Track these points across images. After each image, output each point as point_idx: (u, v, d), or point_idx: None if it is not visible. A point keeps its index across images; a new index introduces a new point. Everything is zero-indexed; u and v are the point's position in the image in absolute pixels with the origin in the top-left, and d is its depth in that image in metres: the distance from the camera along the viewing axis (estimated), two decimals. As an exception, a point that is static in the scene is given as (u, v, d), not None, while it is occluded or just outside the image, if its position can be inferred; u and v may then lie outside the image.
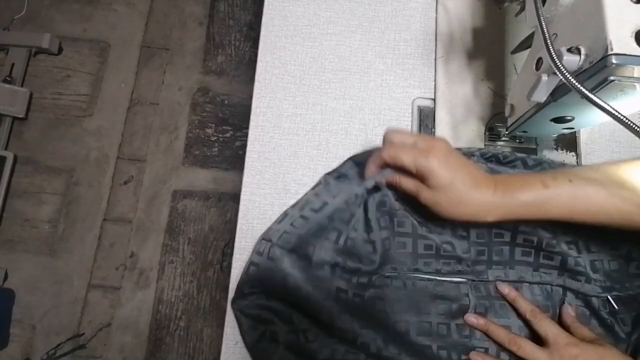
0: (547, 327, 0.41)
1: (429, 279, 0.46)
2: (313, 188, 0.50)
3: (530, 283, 0.46)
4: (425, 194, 0.40)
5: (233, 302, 0.46)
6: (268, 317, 0.44)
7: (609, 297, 0.45)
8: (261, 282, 0.44)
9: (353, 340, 0.42)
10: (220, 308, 1.24)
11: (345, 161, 0.50)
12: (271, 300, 0.44)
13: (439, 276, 0.46)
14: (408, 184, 0.41)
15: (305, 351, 0.42)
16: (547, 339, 0.41)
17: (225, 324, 0.47)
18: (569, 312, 0.44)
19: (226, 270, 1.26)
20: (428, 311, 0.44)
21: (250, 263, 0.45)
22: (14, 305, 1.22)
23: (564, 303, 0.45)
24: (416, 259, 0.46)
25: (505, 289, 0.45)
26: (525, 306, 0.43)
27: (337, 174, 0.49)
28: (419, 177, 0.40)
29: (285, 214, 0.47)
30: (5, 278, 1.23)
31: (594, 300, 0.45)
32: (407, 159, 0.40)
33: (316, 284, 0.43)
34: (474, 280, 0.46)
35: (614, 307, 0.44)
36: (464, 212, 0.39)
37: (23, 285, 1.24)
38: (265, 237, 0.46)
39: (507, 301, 0.45)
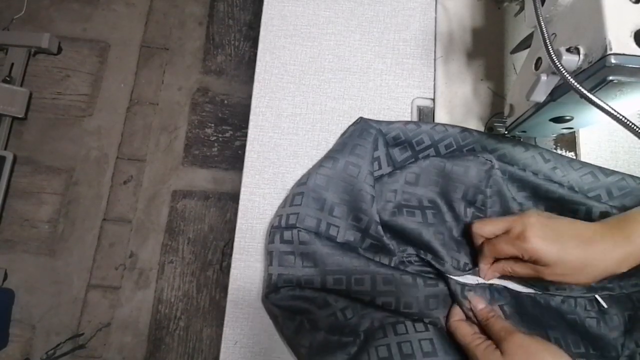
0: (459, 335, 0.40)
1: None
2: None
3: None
4: (546, 273, 0.39)
5: (265, 297, 0.45)
6: (304, 306, 0.43)
7: (596, 296, 0.44)
8: (295, 263, 0.44)
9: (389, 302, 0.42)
10: (219, 308, 1.24)
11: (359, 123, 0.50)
12: (305, 290, 0.44)
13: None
14: (525, 270, 0.41)
15: (346, 328, 0.43)
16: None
17: (225, 323, 0.47)
18: (478, 303, 0.42)
19: (226, 270, 1.26)
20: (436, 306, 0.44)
21: (280, 252, 0.45)
22: (14, 305, 1.22)
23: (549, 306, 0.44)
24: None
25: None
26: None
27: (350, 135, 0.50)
28: (531, 261, 0.39)
29: (293, 195, 0.47)
30: (5, 278, 1.23)
31: (580, 301, 0.44)
32: (510, 250, 0.39)
33: (347, 254, 0.44)
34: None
35: (603, 307, 0.44)
36: (595, 274, 0.38)
37: (22, 285, 1.24)
38: (283, 225, 0.45)
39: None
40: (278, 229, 0.46)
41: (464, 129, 0.49)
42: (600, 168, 0.48)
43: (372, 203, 0.44)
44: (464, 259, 0.45)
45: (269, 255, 0.46)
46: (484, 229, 0.42)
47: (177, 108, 1.38)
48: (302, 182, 0.47)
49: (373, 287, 0.42)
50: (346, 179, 0.45)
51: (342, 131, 0.53)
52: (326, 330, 0.43)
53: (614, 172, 0.47)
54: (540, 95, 0.36)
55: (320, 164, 0.47)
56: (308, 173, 0.48)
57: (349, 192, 0.45)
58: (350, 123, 0.53)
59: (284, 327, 0.44)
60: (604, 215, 0.44)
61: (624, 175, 0.47)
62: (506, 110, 0.47)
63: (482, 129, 0.52)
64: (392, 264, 0.45)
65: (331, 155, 0.47)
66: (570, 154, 0.52)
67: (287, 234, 0.45)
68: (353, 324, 0.43)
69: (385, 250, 0.45)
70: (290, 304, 0.44)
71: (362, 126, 0.49)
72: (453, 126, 0.49)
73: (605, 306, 0.44)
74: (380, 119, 0.53)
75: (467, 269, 0.45)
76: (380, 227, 0.45)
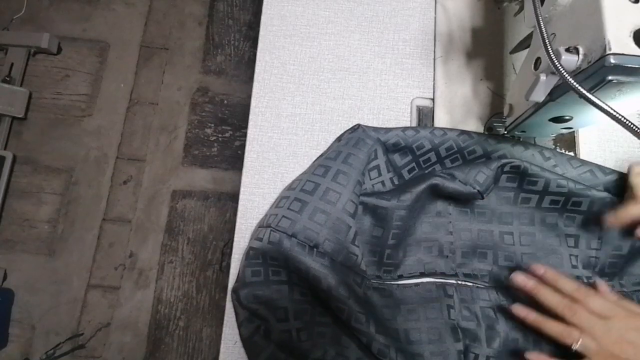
0: (601, 302, 0.39)
1: (415, 284, 0.46)
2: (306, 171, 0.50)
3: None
4: None
5: (234, 290, 0.45)
6: (264, 313, 0.44)
7: None
8: (264, 262, 0.44)
9: (346, 325, 0.41)
10: (219, 308, 1.24)
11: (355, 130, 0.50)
12: (271, 289, 0.43)
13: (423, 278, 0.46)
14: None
15: (296, 350, 0.42)
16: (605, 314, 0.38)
17: (224, 323, 0.47)
18: (605, 287, 0.41)
19: (225, 270, 1.26)
20: (417, 317, 0.44)
21: (250, 249, 0.45)
22: (13, 305, 1.22)
23: None
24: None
25: (541, 269, 0.41)
26: (570, 286, 0.40)
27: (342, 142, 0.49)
28: None
29: (280, 198, 0.47)
30: (5, 278, 1.23)
31: None
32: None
33: (318, 267, 0.42)
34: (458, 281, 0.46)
35: None
36: None
37: (22, 285, 1.24)
38: (263, 224, 0.45)
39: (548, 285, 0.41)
40: (257, 228, 0.46)
41: (463, 132, 0.49)
42: (599, 166, 0.48)
43: (354, 216, 0.44)
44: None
45: (245, 251, 0.46)
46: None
47: (176, 108, 1.38)
48: (291, 187, 0.47)
49: (327, 298, 0.42)
50: (331, 189, 0.44)
51: (341, 131, 0.53)
52: (277, 344, 0.43)
53: (613, 171, 0.47)
54: (539, 95, 0.36)
55: (311, 172, 0.46)
56: (299, 179, 0.47)
57: (332, 204, 0.44)
58: (349, 123, 0.53)
59: (242, 326, 0.44)
60: (606, 205, 0.45)
61: (622, 174, 0.47)
62: (505, 110, 0.47)
63: (481, 129, 0.52)
64: (362, 285, 0.44)
65: (323, 164, 0.47)
66: (570, 154, 0.52)
67: (261, 233, 0.44)
68: (304, 348, 0.42)
69: (357, 269, 0.44)
70: (252, 306, 0.44)
71: (358, 135, 0.48)
72: (451, 129, 0.49)
73: None
74: (380, 119, 0.54)
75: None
76: (356, 247, 0.44)
